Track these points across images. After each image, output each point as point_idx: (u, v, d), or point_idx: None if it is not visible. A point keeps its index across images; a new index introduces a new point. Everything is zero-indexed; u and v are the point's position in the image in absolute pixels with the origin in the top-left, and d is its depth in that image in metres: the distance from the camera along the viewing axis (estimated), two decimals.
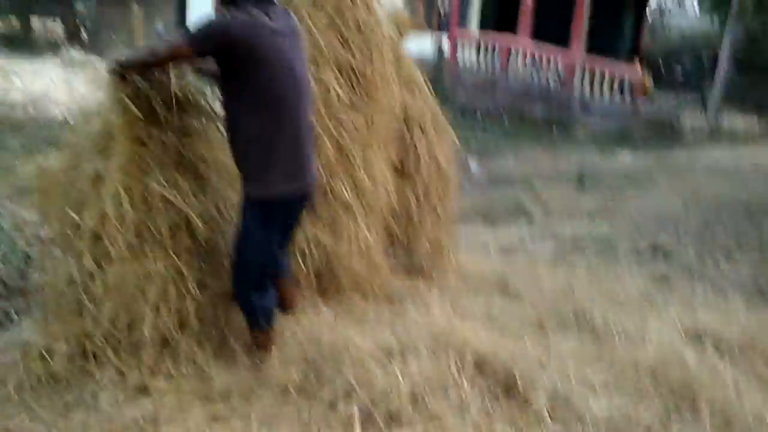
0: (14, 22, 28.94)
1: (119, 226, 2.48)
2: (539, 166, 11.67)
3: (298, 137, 2.63)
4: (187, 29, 2.60)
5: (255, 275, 2.70)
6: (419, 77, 3.94)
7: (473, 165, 11.17)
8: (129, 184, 2.50)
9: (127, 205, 2.47)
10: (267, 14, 2.51)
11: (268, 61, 2.50)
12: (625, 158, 12.35)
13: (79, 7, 31.96)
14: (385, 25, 3.43)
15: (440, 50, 17.84)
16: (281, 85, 2.54)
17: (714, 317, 3.72)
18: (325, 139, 3.18)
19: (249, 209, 2.61)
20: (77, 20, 27.28)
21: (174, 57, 2.55)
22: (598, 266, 4.87)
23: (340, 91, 3.15)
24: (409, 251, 4.19)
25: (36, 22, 29.33)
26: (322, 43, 3.15)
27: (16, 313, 3.97)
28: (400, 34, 3.76)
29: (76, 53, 17.82)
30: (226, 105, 2.61)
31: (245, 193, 2.61)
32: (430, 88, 4.18)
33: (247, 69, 2.49)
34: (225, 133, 2.65)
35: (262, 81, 2.50)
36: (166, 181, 2.55)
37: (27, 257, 4.69)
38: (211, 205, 2.69)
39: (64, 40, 24.85)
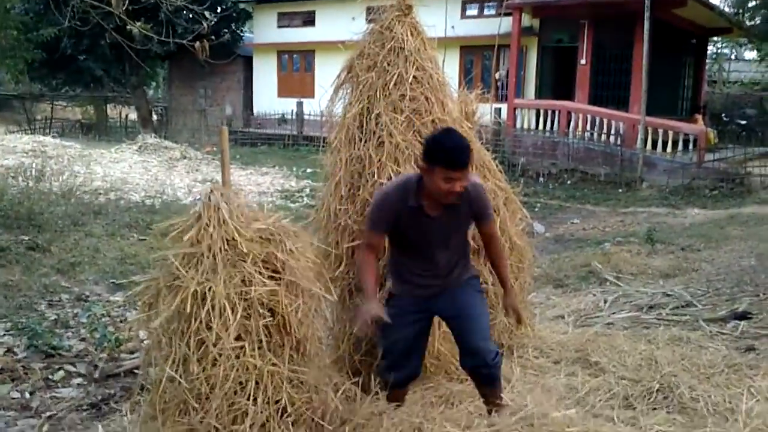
0: (91, 110, 30.78)
1: (222, 334, 2.66)
2: (606, 226, 11.61)
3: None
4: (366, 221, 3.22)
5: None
6: (489, 160, 4.11)
7: (538, 227, 11.20)
8: (232, 295, 2.71)
9: (229, 314, 2.66)
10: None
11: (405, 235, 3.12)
12: (695, 214, 12.16)
13: (151, 93, 33.71)
14: (457, 118, 3.66)
15: (500, 118, 18.12)
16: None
17: None
18: None
19: None
20: (149, 106, 28.81)
21: (370, 245, 3.12)
22: (679, 333, 4.81)
23: None
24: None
25: (111, 109, 31.10)
26: (403, 143, 3.39)
27: (113, 399, 4.19)
28: (470, 122, 3.96)
29: (150, 138, 18.68)
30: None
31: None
32: (493, 154, 4.37)
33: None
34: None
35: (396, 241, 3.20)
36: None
37: (117, 341, 4.93)
38: (304, 306, 2.86)
39: (139, 126, 26.27)
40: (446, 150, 2.84)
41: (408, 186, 3.02)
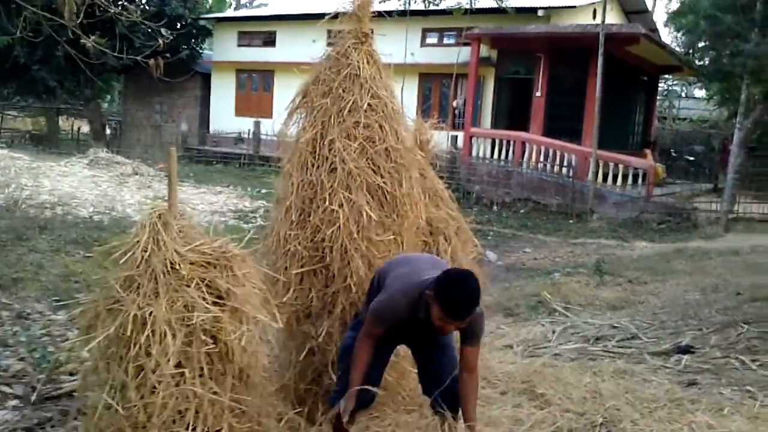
0: (43, 122, 30.09)
1: (161, 360, 2.59)
2: (557, 256, 11.76)
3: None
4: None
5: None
6: (442, 188, 4.13)
7: (491, 255, 11.29)
8: (172, 321, 2.64)
9: (170, 340, 2.60)
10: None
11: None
12: (643, 247, 12.42)
13: (106, 107, 33.13)
14: (411, 147, 3.67)
15: (455, 147, 18.32)
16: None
17: (743, 422, 3.71)
18: (357, 257, 3.35)
19: None
20: (103, 120, 28.32)
21: (371, 336, 3.13)
22: (624, 366, 4.87)
23: (372, 213, 3.34)
24: None
25: (63, 121, 30.47)
26: (356, 170, 3.38)
27: (50, 423, 4.04)
28: (423, 151, 3.98)
29: (102, 152, 18.30)
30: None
31: None
32: (448, 182, 4.40)
33: None
34: None
35: None
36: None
37: (58, 363, 4.77)
38: (248, 333, 2.80)
39: (91, 140, 25.76)
40: (450, 300, 2.87)
41: (417, 298, 3.05)
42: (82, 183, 14.82)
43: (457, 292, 2.88)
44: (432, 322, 2.98)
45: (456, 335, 3.26)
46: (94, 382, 2.78)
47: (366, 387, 3.15)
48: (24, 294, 6.49)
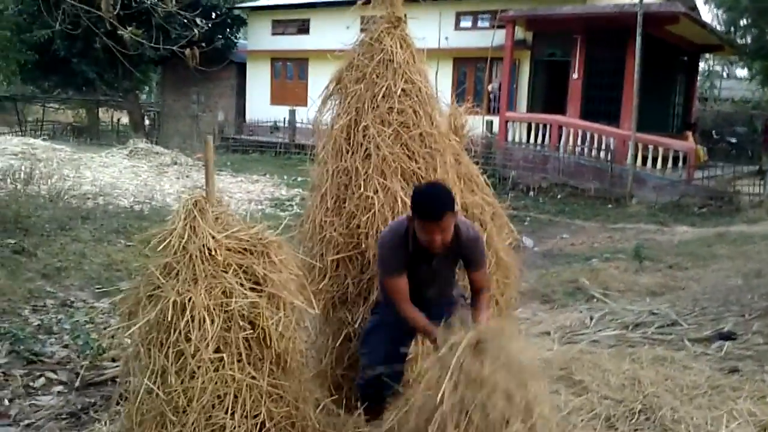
0: (83, 114, 30.67)
1: (200, 345, 2.64)
2: (595, 241, 11.62)
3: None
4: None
5: None
6: (478, 174, 4.10)
7: (528, 241, 11.20)
8: (211, 307, 2.68)
9: (209, 325, 2.64)
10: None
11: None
12: (683, 232, 12.20)
13: (144, 98, 33.62)
14: (445, 132, 3.66)
15: (490, 131, 18.14)
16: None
17: None
18: None
19: None
20: (142, 111, 28.74)
21: (397, 290, 3.08)
22: (663, 353, 4.80)
23: (406, 199, 3.34)
24: None
25: (103, 113, 30.99)
26: (390, 156, 3.38)
27: (93, 408, 4.14)
28: (458, 136, 3.96)
29: (141, 143, 18.59)
30: None
31: None
32: (483, 167, 4.37)
33: None
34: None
35: None
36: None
37: (101, 350, 4.88)
38: (285, 319, 2.83)
39: (130, 131, 26.18)
40: (419, 203, 2.94)
41: (403, 231, 3.08)
42: (122, 173, 15.11)
43: (425, 192, 2.99)
44: (421, 247, 3.02)
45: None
46: (135, 367, 2.84)
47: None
48: (68, 282, 6.66)
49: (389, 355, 3.20)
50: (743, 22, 18.53)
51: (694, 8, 22.64)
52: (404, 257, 3.08)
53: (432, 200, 2.93)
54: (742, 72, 33.10)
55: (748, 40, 19.19)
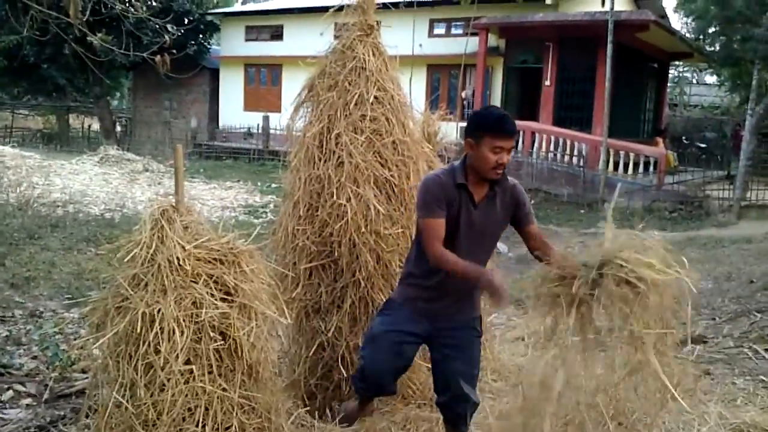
0: (53, 120, 30.24)
1: (170, 357, 2.59)
2: (568, 246, 11.66)
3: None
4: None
5: None
6: None
7: (502, 247, 11.23)
8: (180, 318, 2.63)
9: (178, 337, 2.60)
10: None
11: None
12: (654, 236, 12.30)
13: (115, 104, 33.21)
14: (419, 139, 3.66)
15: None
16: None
17: (756, 412, 3.68)
18: (365, 251, 3.34)
19: None
20: (113, 117, 28.39)
21: (434, 234, 2.90)
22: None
23: (379, 207, 3.33)
24: None
25: (74, 119, 30.59)
26: (363, 164, 3.37)
27: (62, 422, 4.05)
28: (431, 143, 3.96)
29: (112, 149, 18.38)
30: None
31: None
32: None
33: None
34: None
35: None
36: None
37: (70, 361, 4.79)
38: (257, 329, 2.79)
39: (101, 137, 25.85)
40: (494, 118, 2.86)
41: (453, 168, 2.97)
42: (93, 181, 14.91)
43: (492, 111, 2.94)
44: (481, 175, 2.92)
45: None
46: (104, 380, 2.79)
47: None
48: (36, 292, 6.53)
49: (390, 366, 3.14)
50: (711, 29, 18.85)
51: (664, 16, 23.02)
52: (448, 196, 2.91)
53: (505, 115, 2.88)
54: (711, 78, 33.65)
55: (717, 47, 19.52)
